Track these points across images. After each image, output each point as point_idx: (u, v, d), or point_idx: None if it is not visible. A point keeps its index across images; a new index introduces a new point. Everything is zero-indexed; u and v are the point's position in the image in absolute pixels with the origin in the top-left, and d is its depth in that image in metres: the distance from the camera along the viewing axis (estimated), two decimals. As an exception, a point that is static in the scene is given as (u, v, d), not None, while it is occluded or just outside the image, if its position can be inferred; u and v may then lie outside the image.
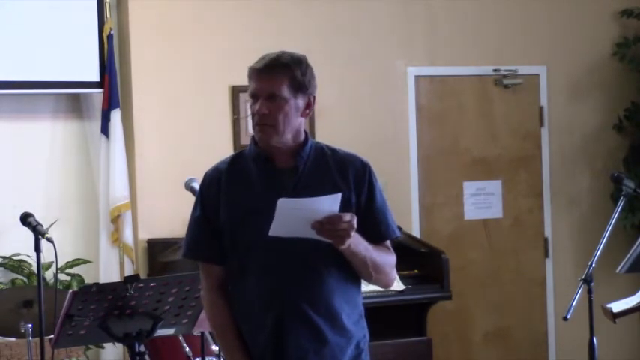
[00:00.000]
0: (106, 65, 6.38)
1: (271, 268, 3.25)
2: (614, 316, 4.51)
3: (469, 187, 7.33)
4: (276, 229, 3.13)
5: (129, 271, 6.29)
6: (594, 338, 4.48)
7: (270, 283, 3.25)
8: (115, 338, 3.83)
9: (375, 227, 3.34)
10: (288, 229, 3.13)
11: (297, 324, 3.25)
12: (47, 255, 4.40)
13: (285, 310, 3.25)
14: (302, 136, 3.33)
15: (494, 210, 7.38)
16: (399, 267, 6.49)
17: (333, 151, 3.39)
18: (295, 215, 3.10)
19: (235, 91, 6.72)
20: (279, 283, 3.25)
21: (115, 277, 6.20)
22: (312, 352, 3.27)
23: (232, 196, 3.30)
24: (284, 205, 3.09)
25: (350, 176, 3.34)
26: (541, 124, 7.51)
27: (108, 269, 6.35)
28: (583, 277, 4.45)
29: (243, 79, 7.13)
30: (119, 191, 6.33)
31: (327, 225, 3.09)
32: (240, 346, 3.28)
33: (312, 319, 3.26)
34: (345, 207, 3.19)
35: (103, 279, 6.17)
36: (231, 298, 3.32)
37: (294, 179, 3.29)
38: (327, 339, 3.28)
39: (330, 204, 3.12)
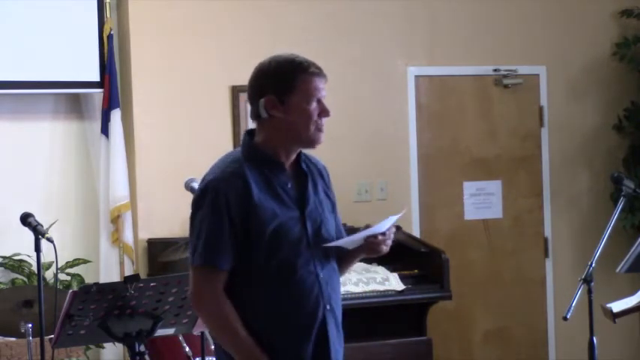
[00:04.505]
0: (106, 65, 6.39)
1: (310, 272, 3.26)
2: (614, 316, 4.51)
3: (469, 187, 7.33)
4: (346, 242, 3.30)
5: (129, 271, 6.29)
6: (594, 338, 4.48)
7: (312, 287, 3.25)
8: (115, 338, 3.83)
9: (339, 227, 3.44)
10: (349, 241, 3.31)
11: (332, 326, 3.29)
12: (47, 255, 4.41)
13: (326, 312, 3.27)
14: None
15: (494, 210, 7.38)
16: (399, 267, 6.55)
17: (304, 154, 3.43)
18: (371, 230, 3.31)
19: (235, 91, 6.72)
20: (320, 287, 3.27)
21: (115, 277, 6.20)
22: (340, 355, 3.33)
23: (264, 201, 3.23)
24: (387, 223, 3.30)
25: (325, 178, 3.44)
26: (541, 124, 7.51)
27: (108, 269, 6.35)
28: (583, 277, 4.45)
29: (243, 79, 7.12)
30: (119, 191, 6.33)
31: (383, 238, 3.30)
32: (254, 342, 3.21)
33: (338, 320, 3.33)
34: (333, 209, 3.40)
35: (103, 279, 6.17)
36: (255, 303, 3.24)
37: (308, 183, 3.34)
38: (343, 340, 3.36)
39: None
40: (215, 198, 3.22)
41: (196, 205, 3.28)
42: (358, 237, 3.30)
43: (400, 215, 3.36)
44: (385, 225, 3.30)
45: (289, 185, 3.29)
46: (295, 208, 3.27)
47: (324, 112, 3.30)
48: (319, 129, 3.29)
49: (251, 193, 3.21)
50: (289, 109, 3.26)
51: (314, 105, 3.27)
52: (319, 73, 3.30)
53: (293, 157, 3.33)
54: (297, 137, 3.28)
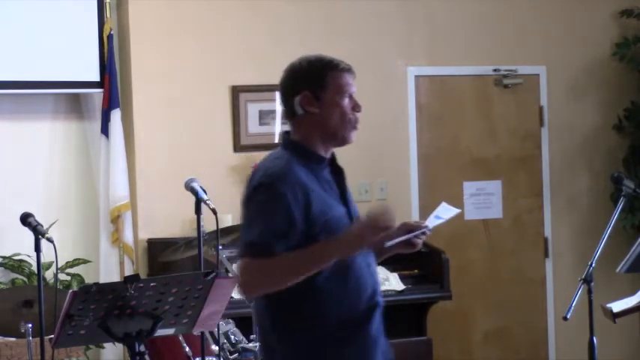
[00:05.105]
0: (106, 65, 6.39)
1: (363, 262, 3.34)
2: (614, 316, 4.51)
3: (469, 187, 7.33)
4: (398, 241, 3.42)
5: (129, 271, 6.29)
6: (594, 338, 4.48)
7: (367, 276, 3.34)
8: (115, 338, 3.82)
9: None
10: (402, 239, 3.45)
11: (379, 314, 3.40)
12: (47, 255, 4.40)
13: (378, 306, 3.37)
14: None
15: (494, 210, 7.38)
16: (399, 267, 6.55)
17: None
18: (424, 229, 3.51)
19: (235, 91, 6.72)
20: (372, 276, 3.37)
21: (115, 277, 6.20)
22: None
23: (318, 193, 3.29)
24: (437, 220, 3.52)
25: None
26: (541, 124, 7.51)
27: (108, 269, 6.35)
28: (583, 277, 4.45)
29: (243, 79, 7.11)
30: (119, 191, 6.33)
31: (428, 234, 3.49)
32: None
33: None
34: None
35: (103, 279, 6.17)
36: (318, 295, 3.27)
37: (345, 180, 3.43)
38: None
39: None
40: (271, 190, 3.23)
41: (250, 199, 3.28)
42: (409, 236, 3.44)
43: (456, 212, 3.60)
44: (434, 222, 3.51)
45: (331, 181, 3.38)
46: (341, 203, 3.36)
47: (356, 106, 3.43)
48: (354, 126, 3.41)
49: (306, 186, 3.26)
50: (324, 105, 3.35)
51: (346, 100, 3.39)
52: (349, 69, 3.41)
53: (329, 154, 3.41)
54: (333, 133, 3.37)
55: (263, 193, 3.24)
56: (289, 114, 3.39)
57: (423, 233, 3.47)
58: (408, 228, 3.46)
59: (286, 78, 3.40)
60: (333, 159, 3.43)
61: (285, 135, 3.42)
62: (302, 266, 3.19)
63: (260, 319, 3.37)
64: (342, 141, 3.40)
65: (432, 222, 3.50)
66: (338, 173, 3.43)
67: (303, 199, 3.22)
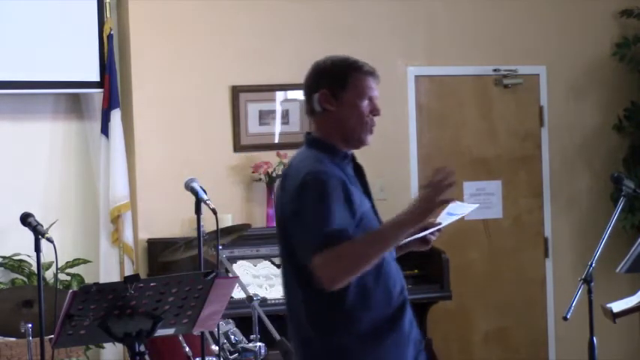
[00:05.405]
0: (106, 65, 6.39)
1: (392, 262, 3.39)
2: (614, 316, 4.51)
3: (469, 187, 7.33)
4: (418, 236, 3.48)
5: (129, 271, 6.30)
6: (594, 338, 4.48)
7: (396, 271, 3.39)
8: (115, 338, 3.83)
9: None
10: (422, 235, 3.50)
11: (413, 313, 3.44)
12: (47, 255, 4.40)
13: (407, 300, 3.40)
14: None
15: (494, 210, 7.38)
16: (400, 267, 6.52)
17: None
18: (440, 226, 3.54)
19: (235, 91, 6.71)
20: (399, 277, 3.41)
21: (115, 277, 6.20)
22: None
23: (357, 196, 3.35)
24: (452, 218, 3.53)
25: None
26: (541, 124, 7.51)
27: (108, 269, 6.35)
28: (583, 277, 4.45)
29: (243, 79, 7.10)
30: (119, 191, 6.33)
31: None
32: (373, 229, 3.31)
33: None
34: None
35: (103, 279, 6.17)
36: (348, 293, 3.27)
37: (364, 174, 3.49)
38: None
39: None
40: (317, 184, 3.25)
41: (298, 200, 3.28)
42: (424, 234, 3.49)
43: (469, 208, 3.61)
44: (447, 219, 3.51)
45: (354, 176, 3.43)
46: (367, 199, 3.41)
47: (375, 110, 3.42)
48: (370, 130, 3.43)
49: (343, 180, 3.31)
50: (342, 104, 3.38)
51: (366, 102, 3.40)
52: (372, 73, 3.42)
53: (350, 150, 3.46)
54: (350, 134, 3.41)
55: (311, 189, 3.25)
56: (309, 110, 3.44)
57: (438, 230, 3.50)
58: (421, 225, 3.46)
59: (310, 75, 3.45)
60: (353, 155, 3.49)
61: (307, 135, 3.46)
62: (379, 243, 3.22)
63: (293, 312, 3.38)
64: (358, 142, 3.43)
65: (444, 219, 3.50)
66: (358, 169, 3.48)
67: (343, 193, 3.27)
